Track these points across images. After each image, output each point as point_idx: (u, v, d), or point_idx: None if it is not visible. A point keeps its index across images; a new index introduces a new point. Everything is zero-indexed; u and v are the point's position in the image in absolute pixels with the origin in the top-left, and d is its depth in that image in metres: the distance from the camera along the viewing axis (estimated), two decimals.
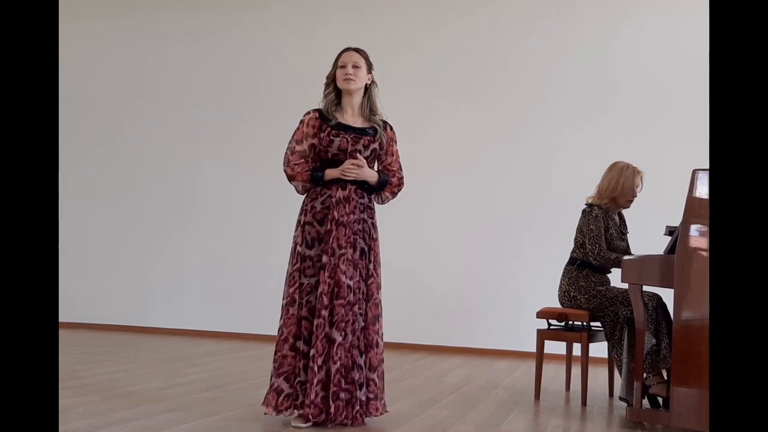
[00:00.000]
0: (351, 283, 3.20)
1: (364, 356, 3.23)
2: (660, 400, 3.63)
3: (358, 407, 3.16)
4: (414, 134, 5.88)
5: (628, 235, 4.35)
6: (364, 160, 3.27)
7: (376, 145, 3.35)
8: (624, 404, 3.80)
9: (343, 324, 3.15)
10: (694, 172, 3.29)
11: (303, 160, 3.31)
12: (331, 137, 3.28)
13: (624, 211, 4.37)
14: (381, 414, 3.26)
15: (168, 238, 7.50)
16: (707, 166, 3.15)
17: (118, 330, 7.39)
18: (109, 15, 7.91)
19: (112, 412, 3.32)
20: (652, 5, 6.53)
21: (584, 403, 4.02)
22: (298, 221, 3.33)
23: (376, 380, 3.26)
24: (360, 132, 3.33)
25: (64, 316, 7.26)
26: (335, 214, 3.24)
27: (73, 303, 7.46)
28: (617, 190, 4.15)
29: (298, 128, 3.35)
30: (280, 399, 3.17)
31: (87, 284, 7.60)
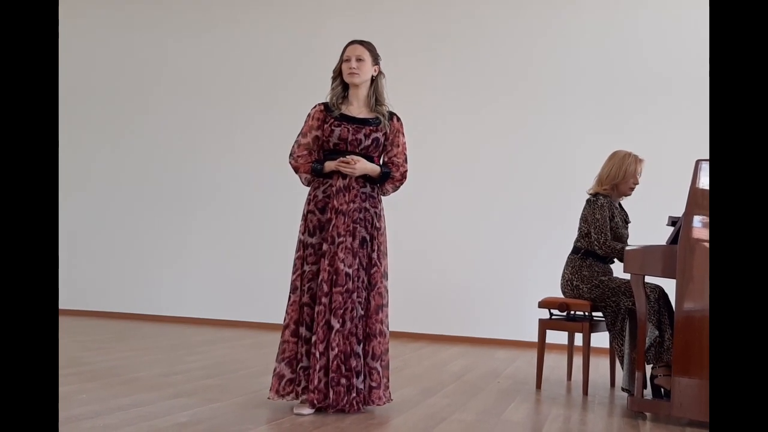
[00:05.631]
0: (350, 271, 3.21)
1: (364, 345, 3.24)
2: (662, 390, 3.64)
3: (354, 395, 3.17)
4: (416, 126, 5.87)
5: (629, 224, 4.35)
6: (359, 158, 3.27)
7: (378, 135, 3.35)
8: (625, 394, 3.80)
9: (341, 311, 3.18)
10: (698, 162, 3.28)
11: (307, 152, 3.37)
12: (333, 128, 3.31)
13: (626, 201, 4.36)
14: (384, 403, 3.27)
15: (171, 227, 7.51)
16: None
17: (121, 317, 7.41)
18: (110, 7, 7.90)
19: (115, 398, 3.34)
20: None
21: (585, 392, 4.03)
22: (303, 211, 3.37)
23: (379, 369, 3.26)
24: (362, 122, 3.34)
25: (67, 304, 7.30)
26: (335, 202, 3.26)
27: (77, 291, 7.50)
28: (619, 176, 4.15)
29: (305, 121, 3.41)
30: (282, 384, 3.23)
31: (90, 272, 7.63)
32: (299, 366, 3.22)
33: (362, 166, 3.27)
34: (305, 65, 7.11)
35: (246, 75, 7.43)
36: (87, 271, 7.62)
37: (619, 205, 4.31)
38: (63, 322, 6.33)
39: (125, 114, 7.74)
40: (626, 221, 4.29)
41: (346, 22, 7.00)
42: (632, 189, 4.22)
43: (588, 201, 4.21)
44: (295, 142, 3.40)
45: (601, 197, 4.14)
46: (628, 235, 4.23)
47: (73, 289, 7.44)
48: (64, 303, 7.13)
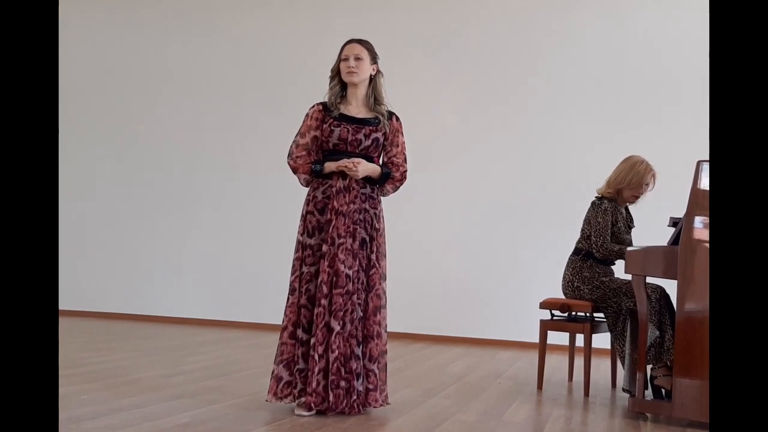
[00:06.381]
0: (350, 272, 3.18)
1: (362, 347, 3.22)
2: (663, 391, 3.64)
3: (355, 397, 3.15)
4: (419, 126, 5.87)
5: (633, 229, 4.33)
6: (360, 160, 3.24)
7: (378, 135, 3.32)
8: (626, 395, 3.80)
9: (342, 313, 3.15)
10: (699, 163, 3.28)
11: (305, 153, 3.33)
12: (332, 128, 3.28)
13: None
14: (381, 406, 3.25)
15: (172, 227, 7.51)
16: None
17: (122, 318, 7.42)
18: (112, 5, 7.91)
19: (116, 399, 3.34)
20: None
21: (587, 393, 4.02)
22: (302, 212, 3.34)
23: (376, 371, 3.24)
24: (361, 122, 3.31)
25: (68, 305, 7.30)
26: (335, 203, 3.23)
27: (78, 291, 7.50)
28: (624, 182, 4.12)
29: (303, 121, 3.37)
30: (280, 386, 3.20)
31: (91, 273, 7.63)
32: (296, 368, 3.20)
33: (364, 168, 3.25)
34: (310, 65, 7.09)
35: (247, 76, 7.42)
36: (88, 272, 7.62)
37: (625, 209, 4.29)
38: (63, 323, 6.33)
39: (126, 115, 7.74)
40: (630, 226, 4.27)
41: (354, 21, 6.99)
42: (636, 198, 4.18)
43: (592, 203, 4.20)
44: (294, 142, 3.36)
45: (605, 201, 4.12)
46: (630, 241, 4.21)
47: (74, 289, 7.44)
48: (64, 303, 7.13)
